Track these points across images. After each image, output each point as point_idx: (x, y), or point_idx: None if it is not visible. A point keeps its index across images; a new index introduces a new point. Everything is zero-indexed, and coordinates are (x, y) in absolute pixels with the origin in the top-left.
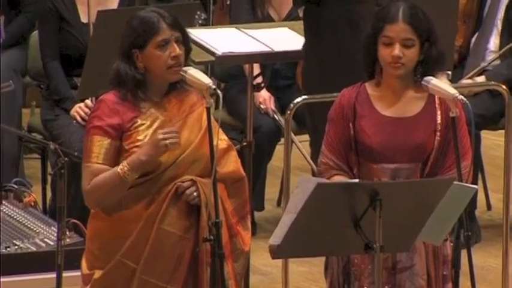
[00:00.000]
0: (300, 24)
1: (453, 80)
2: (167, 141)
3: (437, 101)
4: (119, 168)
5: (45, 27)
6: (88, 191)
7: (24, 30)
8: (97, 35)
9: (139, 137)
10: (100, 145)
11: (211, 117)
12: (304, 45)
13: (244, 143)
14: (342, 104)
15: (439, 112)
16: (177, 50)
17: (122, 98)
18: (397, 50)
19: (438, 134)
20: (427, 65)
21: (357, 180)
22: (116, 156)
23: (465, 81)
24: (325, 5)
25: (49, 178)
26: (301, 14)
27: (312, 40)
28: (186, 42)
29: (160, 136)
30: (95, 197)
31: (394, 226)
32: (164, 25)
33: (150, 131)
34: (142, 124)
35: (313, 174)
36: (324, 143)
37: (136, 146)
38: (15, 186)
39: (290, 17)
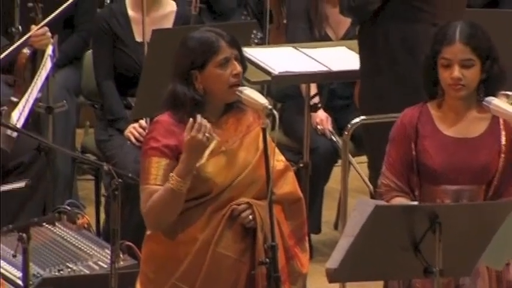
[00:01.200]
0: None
1: None
2: (199, 135)
3: (501, 122)
4: (168, 183)
5: (100, 46)
6: (146, 213)
7: (78, 49)
8: (152, 54)
9: None
10: (158, 166)
11: (268, 137)
12: (360, 65)
13: (301, 165)
14: (404, 124)
15: (503, 133)
16: (238, 67)
17: (178, 119)
18: (456, 71)
19: (503, 155)
20: (490, 84)
21: (415, 203)
22: None
23: None
24: (380, 24)
25: (103, 200)
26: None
27: (368, 60)
28: (243, 61)
29: (193, 133)
30: (153, 217)
31: (455, 250)
32: (224, 43)
33: (207, 152)
34: None
35: (371, 196)
36: (385, 163)
37: None
38: (69, 208)
39: (347, 36)
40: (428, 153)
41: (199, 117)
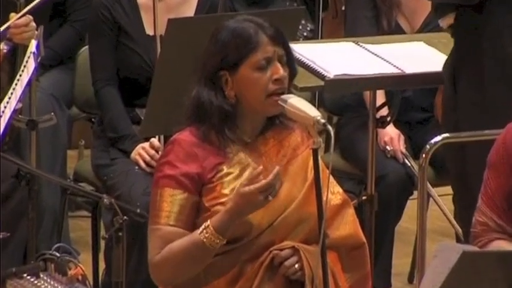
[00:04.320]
0: (440, 37)
1: None
2: (261, 196)
3: None
4: (201, 234)
5: (98, 41)
6: (157, 264)
7: (70, 45)
8: (167, 51)
9: (225, 191)
10: (172, 201)
11: (320, 162)
12: (449, 65)
13: (364, 197)
14: (506, 145)
15: None
16: (281, 70)
17: (202, 138)
18: None
19: None
20: None
21: None
22: (193, 215)
23: None
24: (484, 12)
25: (102, 243)
26: (441, 24)
27: (463, 58)
28: (291, 63)
29: (254, 189)
30: (167, 273)
31: None
32: (265, 38)
33: (238, 182)
34: (229, 173)
35: (458, 240)
36: (481, 196)
37: (221, 203)
38: (57, 255)
39: (426, 28)
40: None
41: (277, 169)
